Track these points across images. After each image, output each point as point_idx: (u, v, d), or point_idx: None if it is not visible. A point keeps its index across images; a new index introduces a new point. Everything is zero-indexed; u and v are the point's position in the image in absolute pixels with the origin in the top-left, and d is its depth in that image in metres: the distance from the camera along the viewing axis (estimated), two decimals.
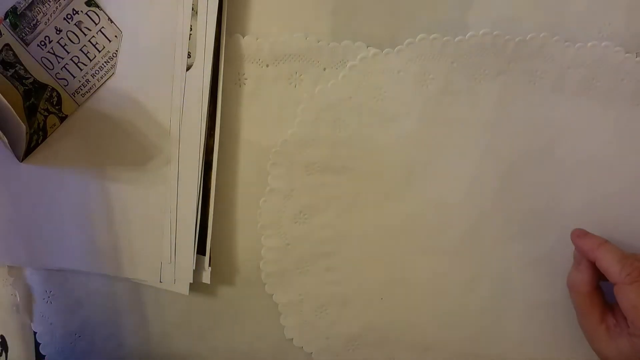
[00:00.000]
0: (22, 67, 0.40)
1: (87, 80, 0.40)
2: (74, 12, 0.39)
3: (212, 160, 0.40)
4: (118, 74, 0.40)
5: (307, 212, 0.42)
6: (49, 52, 0.40)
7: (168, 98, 0.40)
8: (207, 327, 0.44)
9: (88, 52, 0.40)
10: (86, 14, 0.39)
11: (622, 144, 0.41)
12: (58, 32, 0.39)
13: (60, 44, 0.40)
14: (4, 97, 0.36)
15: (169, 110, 0.40)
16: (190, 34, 0.39)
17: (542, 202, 0.42)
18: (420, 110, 0.41)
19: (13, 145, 0.39)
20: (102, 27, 0.39)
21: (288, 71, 0.41)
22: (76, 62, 0.40)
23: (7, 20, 0.39)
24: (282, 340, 0.44)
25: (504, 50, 0.40)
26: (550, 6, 0.40)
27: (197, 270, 0.41)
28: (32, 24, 0.39)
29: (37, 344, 0.45)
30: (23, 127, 0.37)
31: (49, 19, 0.39)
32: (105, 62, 0.40)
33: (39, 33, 0.39)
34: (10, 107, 0.36)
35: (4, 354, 0.45)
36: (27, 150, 0.40)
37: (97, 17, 0.39)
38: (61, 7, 0.39)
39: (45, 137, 0.41)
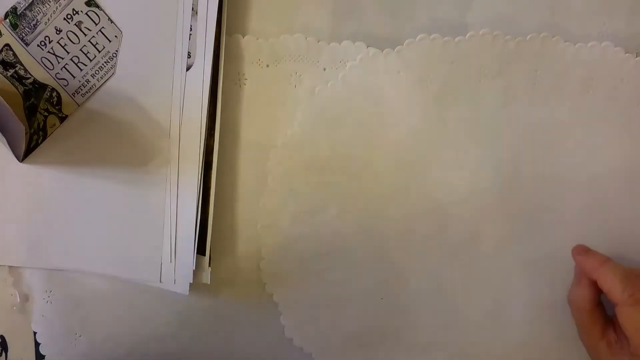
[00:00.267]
0: (22, 67, 0.40)
1: (87, 80, 0.40)
2: (74, 12, 0.39)
3: (212, 160, 0.40)
4: (118, 74, 0.40)
5: (306, 212, 0.42)
6: (49, 52, 0.40)
7: (168, 98, 0.40)
8: (207, 327, 0.44)
9: (88, 52, 0.40)
10: (86, 14, 0.39)
11: (622, 144, 0.41)
12: (58, 32, 0.39)
13: (60, 44, 0.40)
14: (4, 97, 0.36)
15: (169, 110, 0.40)
16: (190, 34, 0.39)
17: (542, 202, 0.42)
18: (420, 110, 0.41)
19: (13, 146, 0.39)
20: (102, 27, 0.39)
21: (288, 71, 0.41)
22: (76, 62, 0.40)
23: (7, 20, 0.39)
24: (282, 340, 0.44)
25: (504, 50, 0.40)
26: (550, 6, 0.40)
27: (197, 270, 0.41)
28: (32, 24, 0.39)
29: (37, 344, 0.45)
30: (23, 127, 0.37)
31: (49, 19, 0.39)
32: (105, 62, 0.40)
33: (39, 33, 0.39)
34: (9, 107, 0.36)
35: (4, 354, 0.45)
36: (27, 150, 0.40)
37: (97, 17, 0.39)
38: (61, 7, 0.39)
39: (45, 137, 0.41)
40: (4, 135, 0.38)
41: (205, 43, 0.39)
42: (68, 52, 0.40)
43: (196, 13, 0.39)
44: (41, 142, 0.41)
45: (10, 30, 0.39)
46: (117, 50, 0.40)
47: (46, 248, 0.42)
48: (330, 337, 0.44)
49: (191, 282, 0.41)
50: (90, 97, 0.41)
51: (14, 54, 0.39)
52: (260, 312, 0.44)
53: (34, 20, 0.39)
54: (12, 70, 0.40)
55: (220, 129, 0.40)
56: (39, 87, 0.40)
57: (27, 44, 0.39)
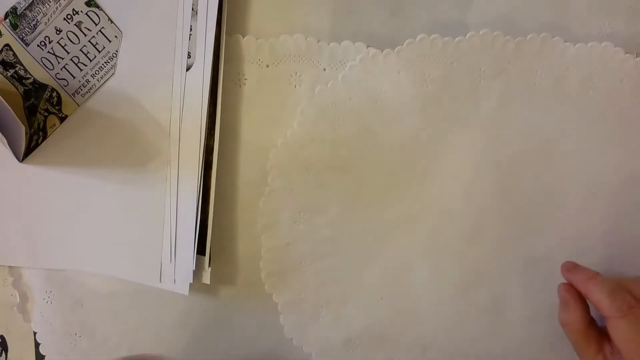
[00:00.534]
0: (22, 67, 0.40)
1: (87, 81, 0.40)
2: (74, 12, 0.39)
3: (212, 160, 0.40)
4: (118, 74, 0.40)
5: (306, 212, 0.42)
6: (49, 52, 0.40)
7: (168, 98, 0.40)
8: (207, 327, 0.44)
9: (88, 52, 0.40)
10: (86, 14, 0.39)
11: (622, 144, 0.41)
12: (58, 32, 0.39)
13: (60, 44, 0.40)
14: (4, 97, 0.36)
15: (169, 110, 0.40)
16: (190, 34, 0.39)
17: (541, 202, 0.42)
18: (420, 111, 0.41)
19: (13, 146, 0.39)
20: (102, 27, 0.39)
21: (288, 71, 0.41)
22: (76, 62, 0.40)
23: (7, 20, 0.39)
24: (282, 340, 0.44)
25: (504, 50, 0.40)
26: (550, 6, 0.40)
27: (197, 270, 0.41)
28: (32, 24, 0.39)
29: (37, 344, 0.45)
30: (22, 127, 0.37)
31: (49, 19, 0.39)
32: (105, 62, 0.40)
33: (39, 33, 0.39)
34: (9, 107, 0.36)
35: (4, 354, 0.45)
36: (27, 151, 0.40)
37: (97, 17, 0.39)
38: (61, 7, 0.39)
39: (45, 137, 0.41)
40: (4, 135, 0.38)
41: (205, 43, 0.39)
42: (68, 52, 0.40)
43: (196, 13, 0.39)
44: (41, 142, 0.41)
45: (10, 30, 0.39)
46: (117, 50, 0.40)
47: (46, 248, 0.42)
48: (330, 337, 0.44)
49: (191, 282, 0.41)
50: (90, 97, 0.41)
51: (14, 54, 0.39)
52: (260, 312, 0.44)
53: (34, 20, 0.39)
54: (12, 70, 0.40)
55: (220, 129, 0.40)
56: (39, 87, 0.40)
57: (27, 44, 0.39)
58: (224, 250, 0.43)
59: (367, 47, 0.40)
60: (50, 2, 0.39)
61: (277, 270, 0.43)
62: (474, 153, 0.41)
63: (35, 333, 0.45)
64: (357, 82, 0.40)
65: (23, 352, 0.45)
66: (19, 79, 0.40)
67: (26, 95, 0.40)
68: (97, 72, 0.40)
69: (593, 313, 0.39)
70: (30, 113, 0.40)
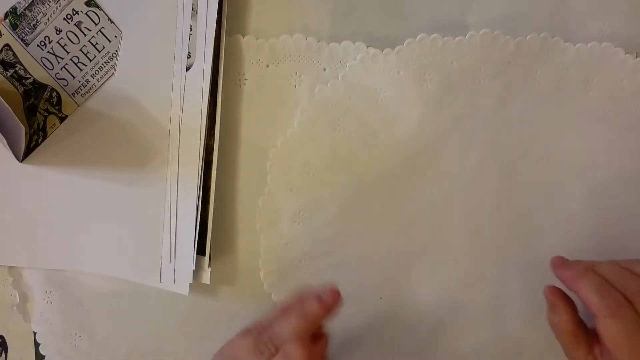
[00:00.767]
0: (22, 67, 0.40)
1: (87, 81, 0.40)
2: (74, 12, 0.39)
3: (212, 160, 0.40)
4: (118, 74, 0.40)
5: (306, 212, 0.42)
6: (49, 52, 0.40)
7: (168, 98, 0.40)
8: (207, 327, 0.44)
9: (88, 52, 0.40)
10: (86, 14, 0.39)
11: (622, 144, 0.41)
12: (58, 32, 0.39)
13: (60, 44, 0.40)
14: (4, 97, 0.36)
15: (169, 110, 0.40)
16: (190, 34, 0.39)
17: (541, 202, 0.42)
18: (420, 110, 0.41)
19: (12, 146, 0.39)
20: (102, 27, 0.39)
21: (288, 71, 0.41)
22: (76, 62, 0.40)
23: (7, 20, 0.39)
24: None
25: (504, 50, 0.40)
26: (550, 6, 0.40)
27: (197, 270, 0.41)
28: (32, 24, 0.39)
29: (37, 344, 0.45)
30: (22, 127, 0.37)
31: (49, 19, 0.39)
32: (105, 62, 0.40)
33: (39, 33, 0.39)
34: (9, 107, 0.36)
35: (4, 354, 0.45)
36: (27, 151, 0.40)
37: (97, 17, 0.39)
38: (61, 7, 0.39)
39: (45, 137, 0.41)
40: (4, 135, 0.38)
41: (205, 43, 0.39)
42: (68, 52, 0.40)
43: (196, 13, 0.39)
44: (41, 142, 0.41)
45: (10, 30, 0.39)
46: (117, 50, 0.40)
47: (46, 248, 0.42)
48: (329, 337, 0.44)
49: (191, 282, 0.41)
50: (90, 97, 0.41)
51: (14, 54, 0.39)
52: (260, 311, 0.44)
53: (33, 20, 0.39)
54: (12, 70, 0.40)
55: (220, 129, 0.40)
56: (39, 87, 0.40)
57: (27, 44, 0.39)
58: (224, 250, 0.43)
59: (367, 47, 0.40)
60: (50, 2, 0.39)
61: (276, 269, 0.43)
62: (473, 153, 0.41)
63: (35, 333, 0.45)
64: (357, 82, 0.40)
65: (23, 352, 0.45)
66: (19, 79, 0.40)
67: (26, 95, 0.40)
68: (97, 72, 0.40)
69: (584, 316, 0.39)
70: (30, 113, 0.40)
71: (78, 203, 0.42)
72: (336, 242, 0.42)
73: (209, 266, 0.41)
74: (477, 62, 0.40)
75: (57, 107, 0.41)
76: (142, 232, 0.41)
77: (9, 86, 0.40)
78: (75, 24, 0.39)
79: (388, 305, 0.43)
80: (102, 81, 0.40)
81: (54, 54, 0.40)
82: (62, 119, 0.41)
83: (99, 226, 0.42)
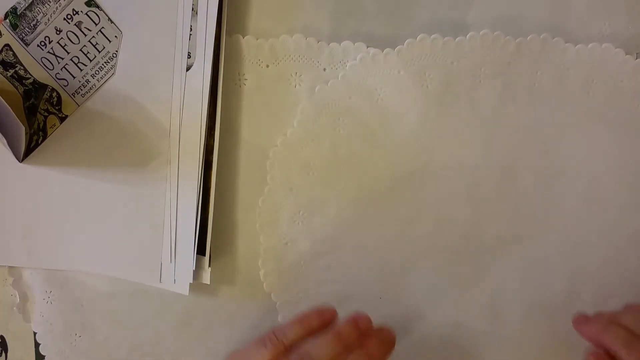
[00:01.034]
0: (22, 67, 0.40)
1: (87, 81, 0.40)
2: (74, 12, 0.39)
3: (212, 160, 0.40)
4: (118, 74, 0.40)
5: (306, 211, 0.42)
6: (49, 52, 0.40)
7: (168, 98, 0.40)
8: (207, 327, 0.44)
9: (88, 52, 0.40)
10: (86, 14, 0.39)
11: (622, 145, 0.41)
12: (58, 32, 0.39)
13: (60, 44, 0.40)
14: (4, 97, 0.36)
15: (169, 110, 0.40)
16: (190, 34, 0.39)
17: (541, 202, 0.42)
18: (420, 110, 0.41)
19: (12, 146, 0.39)
20: (102, 27, 0.39)
21: (288, 71, 0.41)
22: (76, 62, 0.40)
23: (7, 20, 0.39)
24: None
25: (504, 50, 0.40)
26: (551, 7, 0.40)
27: (197, 270, 0.41)
28: (32, 24, 0.39)
29: (37, 344, 0.45)
30: (22, 127, 0.37)
31: (49, 19, 0.39)
32: (105, 62, 0.40)
33: (39, 33, 0.39)
34: (9, 107, 0.36)
35: (4, 354, 0.45)
36: (27, 151, 0.40)
37: (97, 17, 0.39)
38: (61, 7, 0.39)
39: (45, 137, 0.41)
40: (4, 135, 0.38)
41: (205, 43, 0.39)
42: (68, 52, 0.40)
43: (196, 13, 0.39)
44: (41, 142, 0.41)
45: (10, 31, 0.39)
46: (117, 50, 0.40)
47: (46, 248, 0.42)
48: None
49: (191, 282, 0.41)
50: (90, 97, 0.41)
51: (14, 54, 0.39)
52: (259, 311, 0.44)
53: (34, 20, 0.39)
54: (12, 71, 0.40)
55: (220, 128, 0.40)
56: (39, 87, 0.40)
57: (27, 44, 0.39)
58: (224, 250, 0.43)
59: (367, 46, 0.40)
60: (50, 2, 0.39)
61: (276, 269, 0.43)
62: (473, 153, 0.41)
63: (35, 333, 0.45)
64: (357, 82, 0.40)
65: (23, 352, 0.45)
66: (19, 79, 0.40)
67: (26, 95, 0.40)
68: (97, 72, 0.40)
69: None
70: (30, 113, 0.40)
71: (78, 203, 0.42)
72: (336, 242, 0.42)
73: (209, 266, 0.41)
74: (477, 62, 0.40)
75: (57, 107, 0.41)
76: (142, 232, 0.41)
77: (9, 86, 0.40)
78: (75, 24, 0.39)
79: (388, 305, 0.43)
80: (102, 81, 0.40)
81: (54, 54, 0.40)
82: (62, 119, 0.41)
83: (99, 226, 0.42)
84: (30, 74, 0.40)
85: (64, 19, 0.39)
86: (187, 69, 0.39)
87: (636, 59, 0.40)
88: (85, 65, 0.40)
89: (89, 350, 0.44)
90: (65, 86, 0.40)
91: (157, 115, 0.40)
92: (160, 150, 0.41)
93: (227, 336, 0.44)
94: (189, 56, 0.39)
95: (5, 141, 0.38)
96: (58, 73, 0.40)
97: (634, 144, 0.41)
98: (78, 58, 0.40)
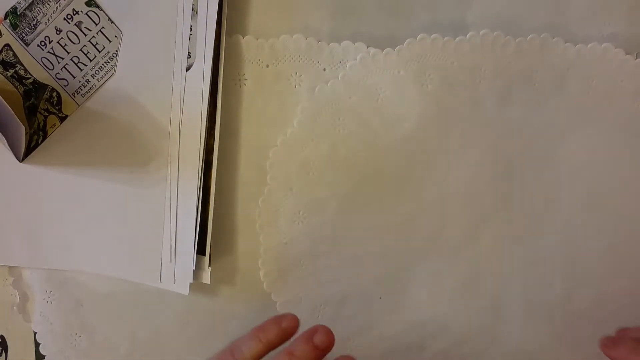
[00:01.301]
0: (22, 67, 0.40)
1: (87, 81, 0.40)
2: (74, 12, 0.39)
3: (212, 160, 0.40)
4: (118, 74, 0.40)
5: (306, 211, 0.42)
6: (49, 52, 0.40)
7: (168, 98, 0.40)
8: (207, 327, 0.44)
9: (88, 52, 0.40)
10: (86, 14, 0.39)
11: (622, 145, 0.41)
12: (58, 32, 0.39)
13: (60, 44, 0.40)
14: (4, 97, 0.36)
15: (169, 110, 0.40)
16: (190, 34, 0.39)
17: (541, 202, 0.42)
18: (420, 110, 0.41)
19: (13, 146, 0.39)
20: (102, 27, 0.39)
21: (288, 71, 0.41)
22: (76, 62, 0.40)
23: (7, 20, 0.39)
24: None
25: (504, 50, 0.40)
26: (551, 7, 0.40)
27: (197, 270, 0.41)
28: (32, 24, 0.39)
29: (37, 344, 0.45)
30: (22, 127, 0.37)
31: (49, 19, 0.39)
32: (105, 62, 0.40)
33: (39, 33, 0.39)
34: (9, 107, 0.36)
35: (4, 354, 0.45)
36: (27, 151, 0.40)
37: (97, 17, 0.39)
38: (61, 7, 0.39)
39: (45, 137, 0.41)
40: (4, 135, 0.38)
41: (205, 43, 0.39)
42: (68, 52, 0.40)
43: (196, 13, 0.39)
44: (41, 142, 0.41)
45: (10, 30, 0.39)
46: (117, 50, 0.40)
47: (46, 248, 0.42)
48: None
49: (191, 282, 0.41)
50: (90, 97, 0.41)
51: (14, 54, 0.39)
52: (259, 311, 0.44)
53: (34, 20, 0.39)
54: (12, 70, 0.40)
55: (220, 128, 0.40)
56: (39, 87, 0.40)
57: (27, 44, 0.39)
58: (224, 249, 0.43)
59: (367, 46, 0.40)
60: (50, 2, 0.39)
61: (276, 269, 0.43)
62: (473, 153, 0.41)
63: (35, 333, 0.45)
64: (357, 82, 0.40)
65: (23, 352, 0.45)
66: (19, 79, 0.40)
67: (26, 95, 0.40)
68: (97, 72, 0.40)
69: None
70: (30, 113, 0.40)
71: (78, 203, 0.42)
72: (336, 241, 0.42)
73: (209, 266, 0.41)
74: (477, 62, 0.40)
75: (57, 107, 0.41)
76: (142, 232, 0.41)
77: (9, 86, 0.40)
78: (75, 24, 0.39)
79: (388, 305, 0.43)
80: (102, 81, 0.40)
81: (54, 54, 0.40)
82: (62, 119, 0.41)
83: (99, 226, 0.42)
84: (30, 73, 0.40)
85: (64, 19, 0.39)
86: (187, 69, 0.39)
87: (636, 59, 0.40)
88: (86, 65, 0.40)
89: (89, 350, 0.44)
90: (65, 86, 0.40)
91: (157, 115, 0.40)
92: (160, 150, 0.41)
93: (227, 336, 0.44)
94: (189, 56, 0.39)
95: (5, 141, 0.38)
96: (58, 73, 0.40)
97: (634, 144, 0.41)
98: (78, 58, 0.40)
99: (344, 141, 0.41)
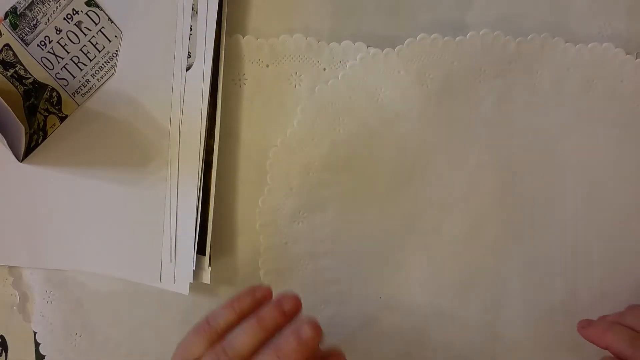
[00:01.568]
0: (22, 67, 0.40)
1: (87, 80, 0.40)
2: (74, 12, 0.39)
3: (212, 160, 0.40)
4: (118, 74, 0.40)
5: (305, 211, 0.42)
6: (49, 52, 0.40)
7: (168, 98, 0.40)
8: None
9: (88, 52, 0.40)
10: (86, 14, 0.39)
11: (622, 145, 0.41)
12: (58, 32, 0.39)
13: (60, 44, 0.40)
14: (4, 97, 0.36)
15: (169, 110, 0.40)
16: (190, 34, 0.39)
17: (541, 202, 0.42)
18: (420, 110, 0.41)
19: (13, 146, 0.39)
20: (102, 27, 0.39)
21: (288, 71, 0.41)
22: (76, 62, 0.40)
23: (7, 20, 0.39)
24: None
25: (504, 50, 0.40)
26: (551, 6, 0.40)
27: (197, 270, 0.41)
28: (32, 24, 0.39)
29: (37, 344, 0.45)
30: (22, 127, 0.37)
31: (49, 19, 0.39)
32: (105, 62, 0.40)
33: (39, 33, 0.39)
34: (8, 107, 0.36)
35: (4, 354, 0.45)
36: (27, 150, 0.40)
37: (97, 17, 0.39)
38: (61, 7, 0.39)
39: (45, 137, 0.41)
40: (4, 135, 0.38)
41: (205, 43, 0.39)
42: (68, 52, 0.40)
43: (196, 13, 0.39)
44: (41, 142, 0.41)
45: (10, 30, 0.39)
46: (117, 50, 0.40)
47: (46, 248, 0.42)
48: (328, 336, 0.44)
49: (191, 282, 0.41)
50: (90, 97, 0.41)
51: (14, 54, 0.39)
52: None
53: (34, 20, 0.39)
54: (12, 70, 0.40)
55: (220, 128, 0.40)
56: (39, 87, 0.40)
57: (27, 44, 0.39)
58: (224, 249, 0.43)
59: (367, 46, 0.40)
60: (50, 2, 0.39)
61: (276, 269, 0.43)
62: (473, 153, 0.41)
63: (35, 333, 0.45)
64: (357, 82, 0.40)
65: (23, 352, 0.45)
66: (19, 78, 0.40)
67: (26, 95, 0.40)
68: (97, 72, 0.40)
69: None
70: (30, 113, 0.40)
71: (78, 203, 0.42)
72: (336, 241, 0.42)
73: (209, 266, 0.41)
74: (477, 62, 0.40)
75: (57, 107, 0.41)
76: (142, 232, 0.41)
77: (9, 86, 0.40)
78: (75, 24, 0.39)
79: (388, 305, 0.43)
80: (102, 81, 0.40)
81: (54, 54, 0.40)
82: (62, 119, 0.41)
83: (99, 226, 0.42)
84: (30, 73, 0.40)
85: (64, 18, 0.39)
86: (187, 69, 0.39)
87: (636, 59, 0.40)
88: (85, 65, 0.40)
89: (89, 350, 0.44)
90: (65, 86, 0.40)
91: (157, 115, 0.40)
92: (160, 151, 0.41)
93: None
94: (189, 56, 0.39)
95: (5, 141, 0.38)
96: (58, 73, 0.40)
97: (634, 144, 0.41)
98: (78, 58, 0.40)
99: (344, 141, 0.41)
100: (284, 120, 0.41)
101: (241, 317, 0.35)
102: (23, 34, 0.39)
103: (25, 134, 0.38)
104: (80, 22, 0.39)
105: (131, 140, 0.41)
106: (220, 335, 0.34)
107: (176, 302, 0.44)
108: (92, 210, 0.42)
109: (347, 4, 0.40)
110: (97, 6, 0.39)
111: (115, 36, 0.40)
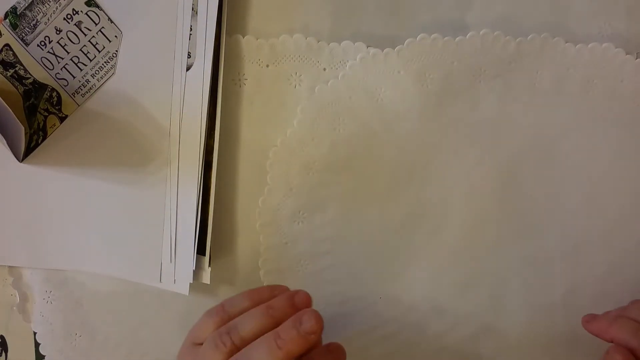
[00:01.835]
0: (22, 67, 0.40)
1: (87, 80, 0.40)
2: (74, 12, 0.39)
3: (212, 160, 0.40)
4: (118, 74, 0.40)
5: (305, 211, 0.42)
6: (49, 52, 0.40)
7: (168, 98, 0.40)
8: None
9: (88, 52, 0.40)
10: (86, 14, 0.39)
11: (622, 145, 0.41)
12: (58, 32, 0.39)
13: (60, 44, 0.40)
14: (3, 97, 0.36)
15: (169, 110, 0.40)
16: (190, 34, 0.39)
17: (541, 202, 0.42)
18: (420, 110, 0.41)
19: (12, 146, 0.39)
20: (102, 27, 0.39)
21: (288, 71, 0.41)
22: (76, 62, 0.40)
23: (7, 20, 0.39)
24: None
25: (504, 50, 0.40)
26: (551, 6, 0.40)
27: (197, 270, 0.41)
28: (32, 24, 0.39)
29: (37, 344, 0.45)
30: (22, 127, 0.37)
31: (49, 19, 0.39)
32: (105, 62, 0.40)
33: (39, 33, 0.39)
34: (8, 108, 0.36)
35: (4, 354, 0.45)
36: (27, 150, 0.40)
37: (97, 17, 0.39)
38: (61, 7, 0.39)
39: (45, 137, 0.41)
40: (4, 135, 0.38)
41: (205, 43, 0.39)
42: (68, 52, 0.40)
43: (196, 13, 0.39)
44: (41, 142, 0.41)
45: (10, 30, 0.39)
46: (117, 50, 0.40)
47: (46, 248, 0.42)
48: (328, 336, 0.44)
49: (191, 282, 0.41)
50: (90, 97, 0.41)
51: (14, 54, 0.39)
52: None
53: (34, 20, 0.39)
54: (12, 70, 0.40)
55: (220, 128, 0.40)
56: (39, 87, 0.40)
57: (27, 44, 0.39)
58: (224, 250, 0.43)
59: (368, 46, 0.40)
60: (50, 2, 0.39)
61: (276, 269, 0.43)
62: (473, 153, 0.41)
63: (35, 333, 0.45)
64: (357, 82, 0.40)
65: (23, 352, 0.45)
66: (19, 79, 0.40)
67: (26, 95, 0.40)
68: (97, 72, 0.40)
69: None
70: (30, 113, 0.40)
71: (78, 203, 0.42)
72: (336, 242, 0.42)
73: (209, 266, 0.41)
74: (477, 62, 0.40)
75: (57, 107, 0.41)
76: (142, 232, 0.41)
77: (9, 86, 0.40)
78: (75, 24, 0.39)
79: (387, 305, 0.43)
80: (102, 81, 0.40)
81: (54, 54, 0.40)
82: (62, 119, 0.41)
83: (99, 226, 0.42)
84: (30, 73, 0.40)
85: (64, 18, 0.39)
86: (187, 69, 0.39)
87: (636, 59, 0.40)
88: (85, 65, 0.40)
89: (89, 350, 0.44)
90: (65, 86, 0.40)
91: (157, 115, 0.40)
92: (160, 151, 0.41)
93: None
94: (189, 56, 0.39)
95: (5, 141, 0.38)
96: (58, 73, 0.40)
97: (634, 144, 0.41)
98: (78, 58, 0.40)
99: (344, 141, 0.41)
100: (284, 120, 0.41)
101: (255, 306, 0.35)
102: (23, 34, 0.39)
103: (25, 134, 0.38)
104: (80, 22, 0.39)
105: (131, 140, 0.41)
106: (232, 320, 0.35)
107: (176, 302, 0.44)
108: (92, 210, 0.42)
109: (347, 4, 0.40)
110: (97, 6, 0.39)
111: (115, 36, 0.40)
